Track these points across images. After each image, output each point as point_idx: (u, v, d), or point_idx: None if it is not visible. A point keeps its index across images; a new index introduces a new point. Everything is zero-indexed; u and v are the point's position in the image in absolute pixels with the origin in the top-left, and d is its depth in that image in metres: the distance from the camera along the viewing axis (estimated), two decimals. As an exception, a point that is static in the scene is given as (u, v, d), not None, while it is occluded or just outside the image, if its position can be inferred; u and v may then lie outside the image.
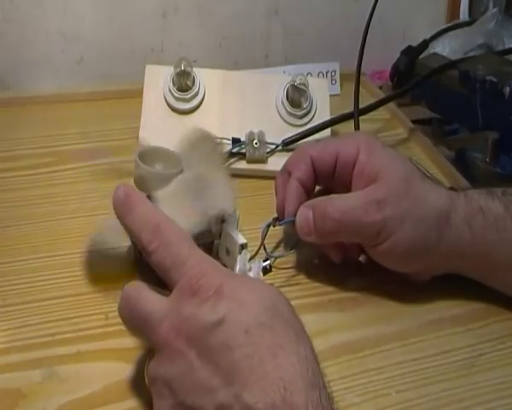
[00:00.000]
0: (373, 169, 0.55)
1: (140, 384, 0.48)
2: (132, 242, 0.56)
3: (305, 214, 0.55)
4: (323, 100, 0.76)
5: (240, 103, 0.75)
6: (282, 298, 0.42)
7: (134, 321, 0.43)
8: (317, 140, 0.69)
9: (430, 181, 0.57)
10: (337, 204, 0.55)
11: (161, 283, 0.54)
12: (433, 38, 0.92)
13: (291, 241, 0.60)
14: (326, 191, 0.59)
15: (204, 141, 0.58)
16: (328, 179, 0.58)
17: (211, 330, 0.39)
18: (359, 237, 0.56)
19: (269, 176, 0.70)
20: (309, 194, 0.58)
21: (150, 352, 0.43)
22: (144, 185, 0.55)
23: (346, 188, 0.57)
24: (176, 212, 0.53)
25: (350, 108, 0.74)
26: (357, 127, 0.73)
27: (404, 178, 0.55)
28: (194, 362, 0.39)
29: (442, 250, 0.55)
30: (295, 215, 0.56)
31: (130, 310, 0.43)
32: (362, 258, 0.60)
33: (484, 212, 0.54)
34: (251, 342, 0.39)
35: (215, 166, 0.57)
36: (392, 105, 0.84)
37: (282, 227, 0.60)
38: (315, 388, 0.38)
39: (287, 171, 0.60)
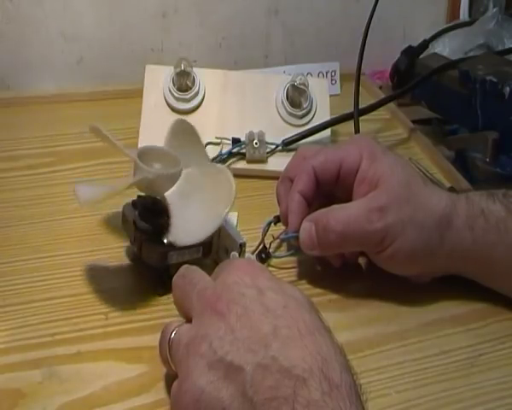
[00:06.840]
0: (374, 176, 0.55)
1: (140, 385, 0.48)
2: (131, 241, 0.56)
3: (307, 229, 0.55)
4: (323, 100, 0.76)
5: (240, 103, 0.75)
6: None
7: (185, 287, 0.46)
8: (317, 145, 0.69)
9: (431, 184, 0.57)
10: (339, 216, 0.54)
11: (160, 282, 0.54)
12: (433, 38, 0.91)
13: (292, 243, 0.60)
14: (326, 196, 0.59)
15: (186, 134, 0.57)
16: (331, 187, 0.58)
17: (251, 297, 0.42)
18: (363, 246, 0.56)
19: (269, 176, 0.70)
20: (311, 203, 0.58)
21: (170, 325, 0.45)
22: (149, 188, 0.54)
23: (348, 192, 0.57)
24: (186, 213, 0.53)
25: (350, 108, 0.74)
26: (357, 127, 0.73)
27: (404, 183, 0.55)
28: (233, 324, 0.41)
29: (444, 253, 0.55)
30: (298, 230, 0.56)
31: (184, 277, 0.47)
32: (361, 260, 0.60)
33: (485, 214, 0.54)
34: (289, 315, 0.41)
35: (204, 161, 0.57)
36: (392, 105, 0.84)
37: (283, 227, 0.60)
38: (348, 372, 0.39)
39: (288, 178, 0.59)
